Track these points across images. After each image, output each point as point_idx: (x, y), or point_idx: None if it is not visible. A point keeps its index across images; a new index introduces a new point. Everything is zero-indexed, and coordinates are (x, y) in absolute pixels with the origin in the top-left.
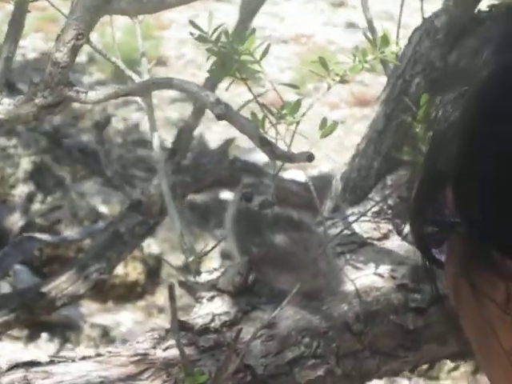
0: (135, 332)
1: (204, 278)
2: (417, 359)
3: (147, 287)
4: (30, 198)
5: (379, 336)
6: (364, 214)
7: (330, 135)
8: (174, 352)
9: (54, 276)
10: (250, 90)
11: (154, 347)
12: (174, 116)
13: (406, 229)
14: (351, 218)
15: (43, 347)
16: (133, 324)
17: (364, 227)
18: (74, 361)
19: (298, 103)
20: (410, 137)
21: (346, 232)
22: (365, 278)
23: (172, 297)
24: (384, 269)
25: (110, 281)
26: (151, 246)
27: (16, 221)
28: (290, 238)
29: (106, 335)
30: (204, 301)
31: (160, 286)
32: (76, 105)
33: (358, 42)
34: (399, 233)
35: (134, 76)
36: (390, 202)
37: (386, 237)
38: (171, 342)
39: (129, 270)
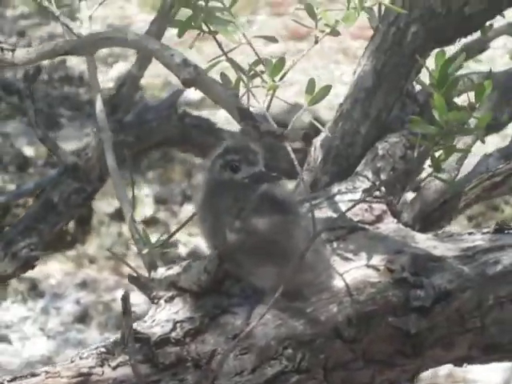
0: (65, 284)
1: (161, 273)
2: (417, 366)
3: (77, 236)
4: None
5: (375, 342)
6: (359, 200)
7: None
8: (126, 371)
9: None
10: (219, 45)
11: (102, 364)
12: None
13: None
14: (338, 197)
15: None
16: (63, 276)
17: (354, 208)
18: None
19: (281, 61)
20: (404, 96)
21: (331, 215)
22: (356, 272)
23: (127, 309)
24: (379, 259)
25: None
26: None
27: None
28: (273, 224)
29: (35, 288)
30: (161, 302)
31: (91, 235)
32: None
33: None
34: (394, 214)
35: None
36: (383, 175)
37: (379, 219)
38: (122, 357)
39: None
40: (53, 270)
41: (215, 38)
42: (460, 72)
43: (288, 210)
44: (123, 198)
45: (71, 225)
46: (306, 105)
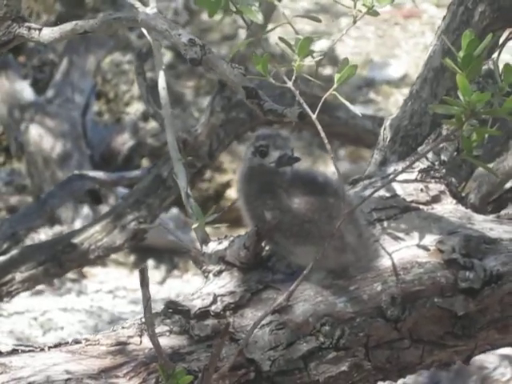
0: None
1: (212, 247)
2: (470, 348)
3: None
4: (144, 117)
5: (421, 322)
6: (402, 171)
7: None
8: (164, 341)
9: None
10: (247, 24)
11: (141, 334)
12: (307, 29)
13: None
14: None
15: (149, 274)
16: None
17: (408, 188)
18: (42, 350)
19: (308, 41)
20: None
21: (385, 194)
22: (405, 251)
23: (144, 281)
24: (431, 240)
25: (222, 203)
26: None
27: (126, 141)
28: (310, 204)
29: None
30: (210, 276)
31: None
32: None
33: None
34: (454, 195)
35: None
36: (444, 156)
37: (436, 200)
38: (161, 328)
39: None
40: None
41: (243, 18)
42: None
43: (328, 192)
44: (180, 174)
45: None
46: (335, 84)
